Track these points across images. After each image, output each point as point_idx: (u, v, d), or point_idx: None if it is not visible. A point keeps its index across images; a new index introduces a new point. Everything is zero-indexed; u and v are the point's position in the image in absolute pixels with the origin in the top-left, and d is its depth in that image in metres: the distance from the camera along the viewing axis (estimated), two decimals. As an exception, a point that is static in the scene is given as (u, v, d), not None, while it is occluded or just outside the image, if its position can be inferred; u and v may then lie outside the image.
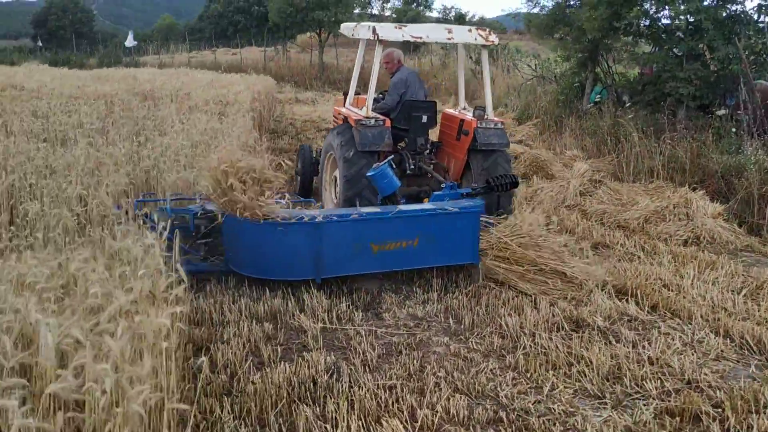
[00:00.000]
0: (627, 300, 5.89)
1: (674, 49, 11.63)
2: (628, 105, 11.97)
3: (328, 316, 5.45)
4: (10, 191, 6.38)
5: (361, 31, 7.35)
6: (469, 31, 7.29)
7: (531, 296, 5.88)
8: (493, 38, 7.18)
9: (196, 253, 6.19)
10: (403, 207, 6.19)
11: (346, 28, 7.98)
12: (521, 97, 16.52)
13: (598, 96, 13.48)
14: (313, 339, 5.02)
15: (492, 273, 6.19)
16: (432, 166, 7.82)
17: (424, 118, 7.59)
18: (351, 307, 5.68)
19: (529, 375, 4.56)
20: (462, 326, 5.39)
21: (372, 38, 7.10)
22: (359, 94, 8.27)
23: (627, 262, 7.03)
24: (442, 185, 6.85)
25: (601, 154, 11.95)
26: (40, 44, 45.04)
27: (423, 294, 6.02)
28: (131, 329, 2.81)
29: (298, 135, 14.01)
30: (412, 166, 7.60)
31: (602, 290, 6.10)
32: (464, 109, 8.01)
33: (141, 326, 2.88)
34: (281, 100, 20.04)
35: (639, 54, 12.34)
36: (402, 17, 38.90)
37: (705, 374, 4.51)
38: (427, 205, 6.45)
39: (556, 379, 4.50)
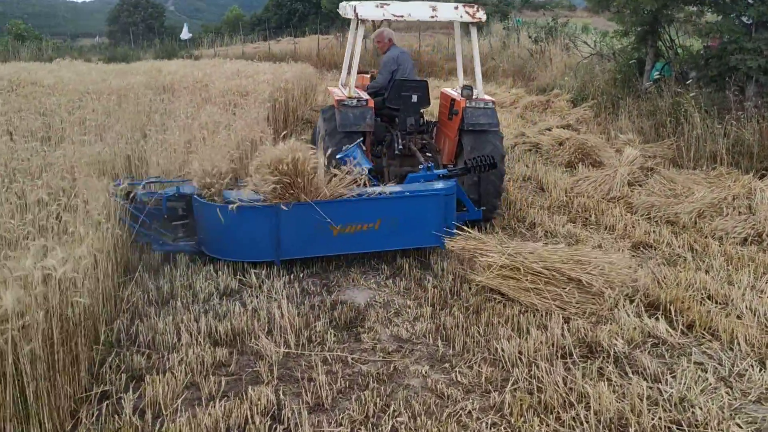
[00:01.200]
0: (658, 316, 4.90)
1: (742, 17, 10.28)
2: (688, 82, 10.67)
3: (297, 337, 4.70)
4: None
5: (347, 9, 7.10)
6: (456, 8, 6.86)
7: (543, 313, 4.96)
8: (481, 15, 6.85)
9: (170, 233, 6.16)
10: (366, 189, 5.93)
11: (342, 7, 7.60)
12: (577, 77, 15.27)
13: (658, 73, 12.17)
14: (269, 368, 4.28)
15: (497, 288, 5.28)
16: (423, 146, 7.64)
17: (415, 98, 7.42)
18: (328, 325, 4.91)
19: (512, 420, 3.68)
20: (451, 350, 4.54)
21: (352, 17, 6.81)
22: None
23: (669, 266, 6.00)
24: (420, 166, 6.53)
25: (660, 137, 10.74)
26: (98, 40, 45.99)
27: (416, 309, 5.19)
28: None
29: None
30: (401, 146, 7.41)
31: (631, 302, 5.12)
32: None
33: None
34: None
35: (702, 24, 10.99)
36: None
37: (737, 425, 3.52)
38: (390, 188, 6.09)
39: (546, 426, 3.60)
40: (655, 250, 6.52)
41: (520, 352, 4.37)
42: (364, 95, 7.10)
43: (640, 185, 8.57)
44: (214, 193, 5.83)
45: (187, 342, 4.60)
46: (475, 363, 4.32)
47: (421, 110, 7.69)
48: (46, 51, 29.31)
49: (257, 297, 5.33)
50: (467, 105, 6.90)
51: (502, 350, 4.38)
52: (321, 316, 5.06)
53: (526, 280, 5.15)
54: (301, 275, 5.88)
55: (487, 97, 7.14)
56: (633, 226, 7.16)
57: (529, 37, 21.82)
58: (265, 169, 5.57)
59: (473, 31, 7.26)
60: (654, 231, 6.97)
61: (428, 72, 24.74)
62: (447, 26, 39.99)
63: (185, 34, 32.82)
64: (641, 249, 6.57)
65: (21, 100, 9.58)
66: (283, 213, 5.52)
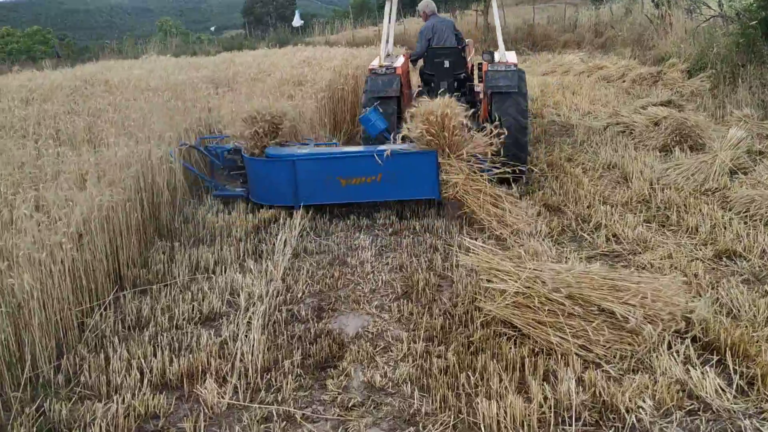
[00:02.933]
0: (712, 365, 3.72)
1: None
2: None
3: (253, 381, 3.96)
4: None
5: None
6: None
7: (559, 355, 3.92)
8: None
9: (226, 182, 7.47)
10: (368, 147, 6.80)
11: None
12: (695, 44, 13.40)
13: (786, 35, 10.29)
14: (199, 427, 3.57)
15: (509, 320, 4.28)
16: None
17: (446, 63, 8.23)
18: (297, 365, 4.13)
19: None
20: (426, 406, 3.62)
21: None
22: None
23: (754, 284, 4.72)
24: None
25: (785, 112, 9.04)
26: (213, 34, 47.22)
27: (408, 343, 4.29)
28: None
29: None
30: None
31: (681, 342, 3.96)
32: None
33: None
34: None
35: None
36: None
37: None
38: (389, 146, 6.69)
39: None
40: (745, 260, 5.21)
41: (504, 416, 3.38)
42: (397, 63, 8.05)
43: (745, 174, 7.10)
44: (254, 148, 6.96)
45: (129, 385, 3.98)
46: (446, 430, 3.39)
47: (457, 74, 8.36)
48: (171, 47, 30.24)
49: (236, 323, 4.64)
50: (489, 69, 7.46)
51: (483, 413, 3.41)
52: (295, 351, 4.29)
53: (543, 311, 4.11)
54: (300, 295, 5.16)
55: (510, 60, 7.69)
56: (723, 228, 5.83)
57: (652, 1, 19.70)
58: (418, 118, 6.37)
59: (494, 2, 8.17)
60: (748, 235, 5.62)
61: (542, 45, 23.08)
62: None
63: (297, 22, 32.81)
64: (724, 259, 5.27)
65: (80, 100, 9.45)
66: (298, 164, 6.51)
